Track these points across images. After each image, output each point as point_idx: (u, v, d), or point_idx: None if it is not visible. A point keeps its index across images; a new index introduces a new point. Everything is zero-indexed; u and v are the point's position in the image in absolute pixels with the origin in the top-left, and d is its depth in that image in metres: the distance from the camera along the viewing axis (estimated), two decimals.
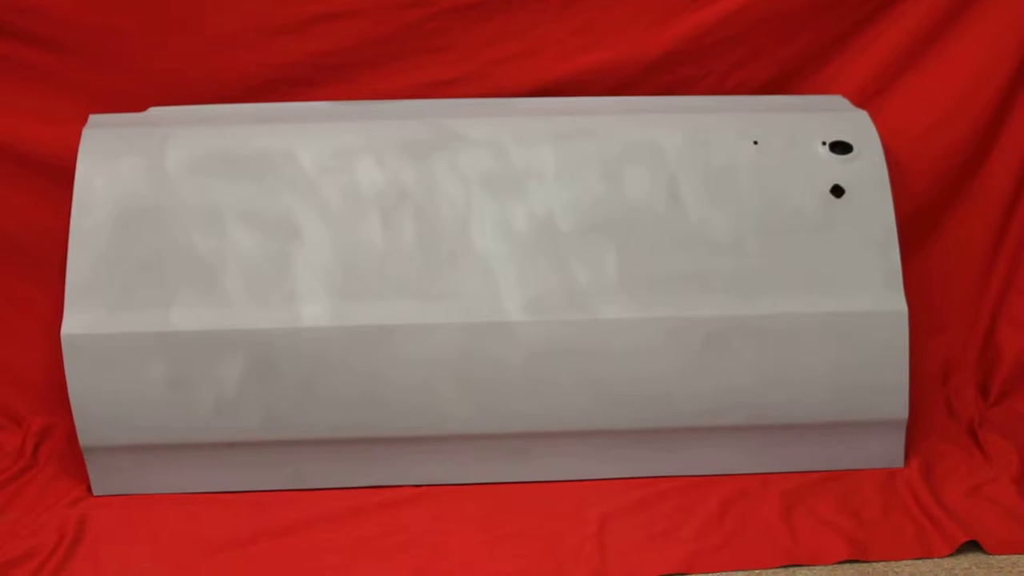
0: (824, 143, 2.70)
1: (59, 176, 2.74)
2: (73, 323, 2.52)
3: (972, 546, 2.41)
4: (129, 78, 2.83)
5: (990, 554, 2.40)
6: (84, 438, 2.56)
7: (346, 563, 2.37)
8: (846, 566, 2.37)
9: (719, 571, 2.35)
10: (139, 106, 2.81)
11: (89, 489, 2.62)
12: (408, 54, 2.89)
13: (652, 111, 2.79)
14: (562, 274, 2.60)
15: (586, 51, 2.91)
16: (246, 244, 2.57)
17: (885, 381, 2.62)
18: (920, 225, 2.96)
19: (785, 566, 2.36)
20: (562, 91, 2.91)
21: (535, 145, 2.68)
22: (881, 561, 2.38)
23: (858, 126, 2.74)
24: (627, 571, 2.35)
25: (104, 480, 2.60)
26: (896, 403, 2.64)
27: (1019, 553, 2.40)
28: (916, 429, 2.77)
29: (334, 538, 2.45)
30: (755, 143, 2.70)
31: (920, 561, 2.38)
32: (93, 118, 2.74)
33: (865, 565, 2.37)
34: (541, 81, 2.91)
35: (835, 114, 2.79)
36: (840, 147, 2.70)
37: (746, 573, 2.35)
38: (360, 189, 2.62)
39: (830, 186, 2.66)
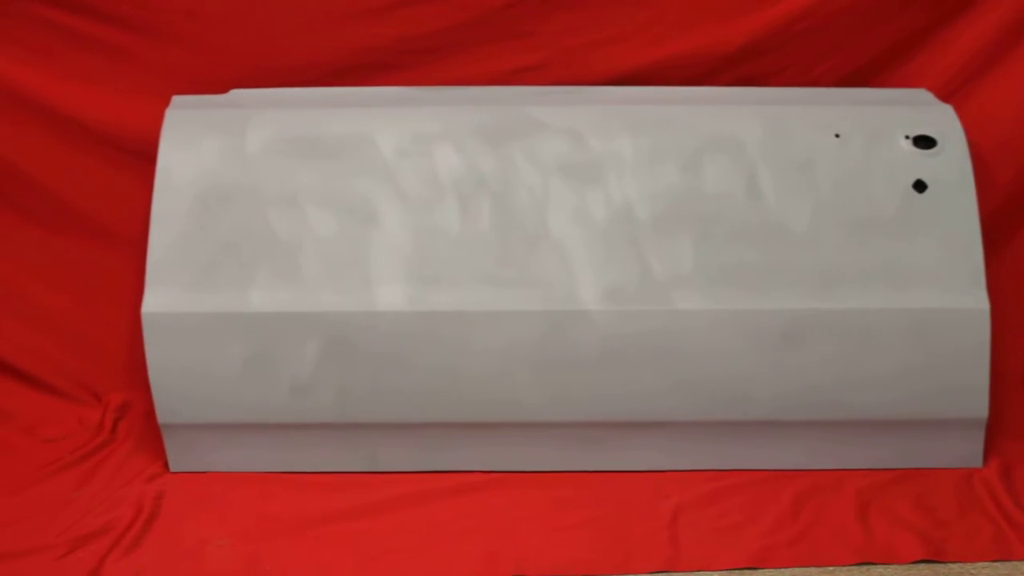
0: (907, 137, 2.67)
1: (142, 156, 2.78)
2: (153, 301, 2.55)
3: None
4: (212, 60, 2.86)
5: None
6: (162, 415, 2.59)
7: (418, 546, 2.39)
8: (921, 566, 2.34)
9: (791, 566, 2.34)
10: (222, 88, 2.84)
11: (166, 465, 2.65)
12: (489, 40, 2.89)
13: (732, 102, 2.77)
14: (639, 264, 2.59)
15: (667, 40, 2.90)
16: (324, 227, 2.59)
17: (965, 380, 2.59)
18: (1004, 222, 2.92)
19: (859, 564, 2.35)
20: (642, 80, 2.90)
21: (613, 134, 2.67)
22: (957, 562, 2.35)
23: (942, 120, 2.70)
24: (698, 563, 2.34)
25: (181, 457, 2.63)
26: (976, 402, 2.61)
27: None
28: (996, 429, 2.73)
29: (407, 521, 2.47)
30: (837, 136, 2.67)
31: (998, 563, 2.35)
32: (176, 99, 2.76)
33: (940, 566, 2.34)
34: (621, 70, 2.91)
35: (919, 108, 2.76)
36: (924, 141, 2.67)
37: (819, 570, 2.33)
38: (438, 175, 2.63)
39: (913, 181, 2.63)
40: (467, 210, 2.61)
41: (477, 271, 2.58)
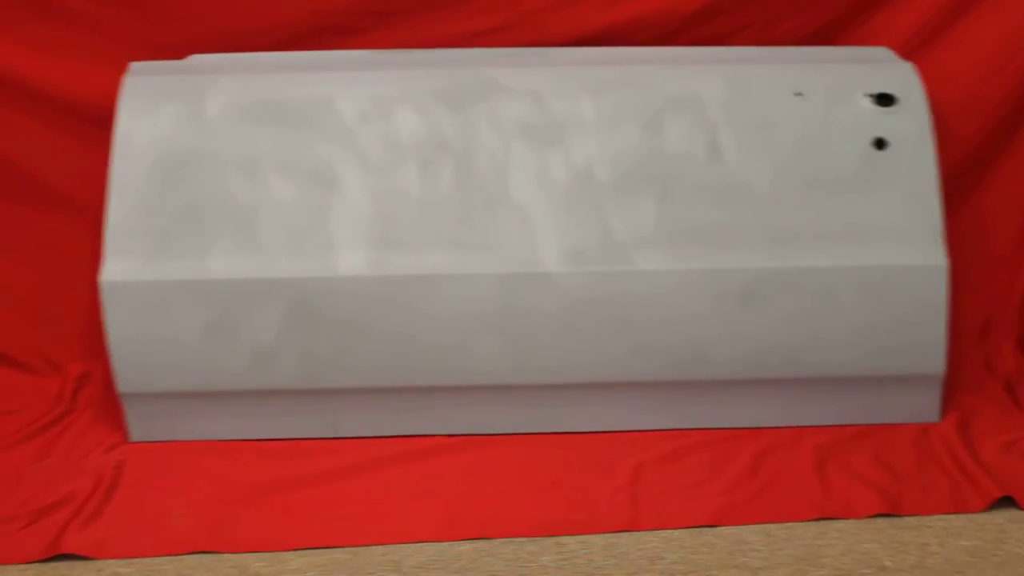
0: (868, 95, 2.67)
1: (100, 123, 2.75)
2: (112, 270, 2.54)
3: (1007, 502, 2.40)
4: (171, 25, 2.84)
5: None
6: (122, 384, 2.59)
7: (382, 511, 2.39)
8: (879, 519, 2.36)
9: (751, 523, 2.35)
10: (180, 53, 2.82)
11: (126, 435, 2.65)
12: (449, 3, 2.88)
13: (693, 62, 2.77)
14: (600, 225, 2.59)
15: (627, 1, 2.88)
16: (284, 193, 2.58)
17: (923, 336, 2.60)
18: (963, 179, 2.92)
19: (817, 519, 2.36)
20: (602, 41, 2.89)
21: (574, 95, 2.66)
22: (914, 515, 2.37)
23: (903, 78, 2.71)
24: (659, 521, 2.36)
25: (141, 426, 2.63)
26: (934, 358, 2.62)
27: None
28: (953, 384, 2.75)
29: (370, 486, 2.47)
30: (798, 95, 2.67)
31: (953, 516, 2.37)
32: (134, 65, 2.74)
33: (898, 519, 2.36)
34: (582, 31, 2.90)
35: (879, 66, 2.76)
36: (884, 99, 2.67)
37: (778, 526, 2.35)
38: (399, 138, 2.62)
39: (873, 139, 2.63)
40: (428, 173, 2.60)
41: (438, 235, 2.58)
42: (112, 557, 2.29)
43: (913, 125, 2.65)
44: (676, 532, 2.34)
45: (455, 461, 2.56)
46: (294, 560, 2.28)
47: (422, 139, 2.62)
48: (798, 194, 2.60)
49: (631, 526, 2.35)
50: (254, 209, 2.57)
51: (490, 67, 2.73)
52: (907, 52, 2.88)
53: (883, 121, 2.65)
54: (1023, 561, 2.24)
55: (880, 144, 2.63)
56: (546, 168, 2.62)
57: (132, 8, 2.82)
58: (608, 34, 2.90)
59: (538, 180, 2.61)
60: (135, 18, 2.83)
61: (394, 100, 2.65)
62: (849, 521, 2.36)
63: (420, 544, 2.31)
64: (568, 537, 2.33)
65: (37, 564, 2.26)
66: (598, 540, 2.32)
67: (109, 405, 2.71)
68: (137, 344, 2.55)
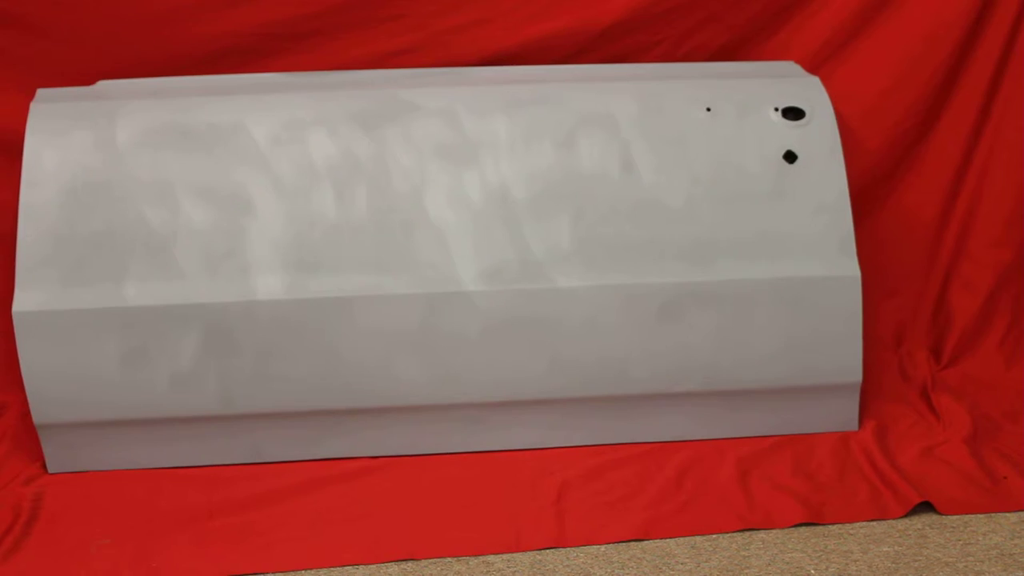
0: (776, 109, 2.71)
1: (8, 151, 2.72)
2: (24, 300, 2.50)
3: (925, 507, 2.45)
4: (77, 50, 2.80)
5: (943, 514, 2.43)
6: (38, 415, 2.54)
7: (307, 535, 2.38)
8: (802, 529, 2.39)
9: (676, 536, 2.37)
10: (88, 79, 2.78)
11: (44, 467, 2.60)
12: (360, 24, 2.88)
13: (605, 79, 2.79)
14: (517, 243, 2.60)
15: (538, 20, 2.90)
16: (199, 218, 2.55)
17: (839, 345, 2.64)
18: (872, 190, 2.98)
19: (742, 530, 2.39)
20: (515, 60, 2.91)
21: (488, 114, 2.67)
22: (836, 523, 2.40)
23: (810, 92, 2.75)
24: (585, 538, 2.37)
25: (59, 457, 2.59)
26: (850, 367, 2.66)
27: (971, 513, 2.44)
28: (870, 392, 2.80)
29: (293, 511, 2.45)
30: (708, 110, 2.70)
31: (874, 523, 2.41)
32: (41, 92, 2.70)
33: (820, 527, 2.40)
34: (494, 50, 2.91)
35: (787, 80, 2.80)
36: (792, 113, 2.71)
37: (703, 538, 2.37)
38: (312, 161, 2.61)
39: (783, 152, 2.67)
40: (343, 196, 2.59)
41: (355, 257, 2.57)
42: None
43: (822, 138, 2.69)
44: (602, 547, 2.35)
45: (379, 483, 2.55)
46: None
47: (336, 162, 2.61)
48: (712, 209, 2.63)
49: (557, 543, 2.36)
50: (168, 235, 2.54)
51: (403, 87, 2.72)
52: (813, 66, 2.93)
53: (792, 135, 2.69)
54: (943, 565, 2.28)
55: (790, 157, 2.67)
56: (462, 187, 2.62)
57: (38, 34, 2.78)
58: (519, 53, 2.92)
59: (454, 200, 2.61)
60: (41, 44, 2.78)
61: (307, 122, 2.64)
62: (773, 531, 2.38)
63: (347, 568, 2.30)
64: (495, 556, 2.33)
65: None
66: (525, 558, 2.33)
67: (26, 436, 2.66)
68: (53, 374, 2.51)
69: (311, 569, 2.30)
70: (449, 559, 2.32)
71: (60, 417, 2.54)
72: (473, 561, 2.32)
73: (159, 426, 2.58)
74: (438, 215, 2.60)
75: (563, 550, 2.34)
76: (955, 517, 2.43)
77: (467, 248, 2.59)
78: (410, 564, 2.31)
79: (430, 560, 2.32)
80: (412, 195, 2.60)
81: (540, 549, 2.34)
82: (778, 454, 2.62)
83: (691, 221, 2.62)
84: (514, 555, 2.33)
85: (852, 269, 2.62)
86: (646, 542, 2.36)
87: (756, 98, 2.73)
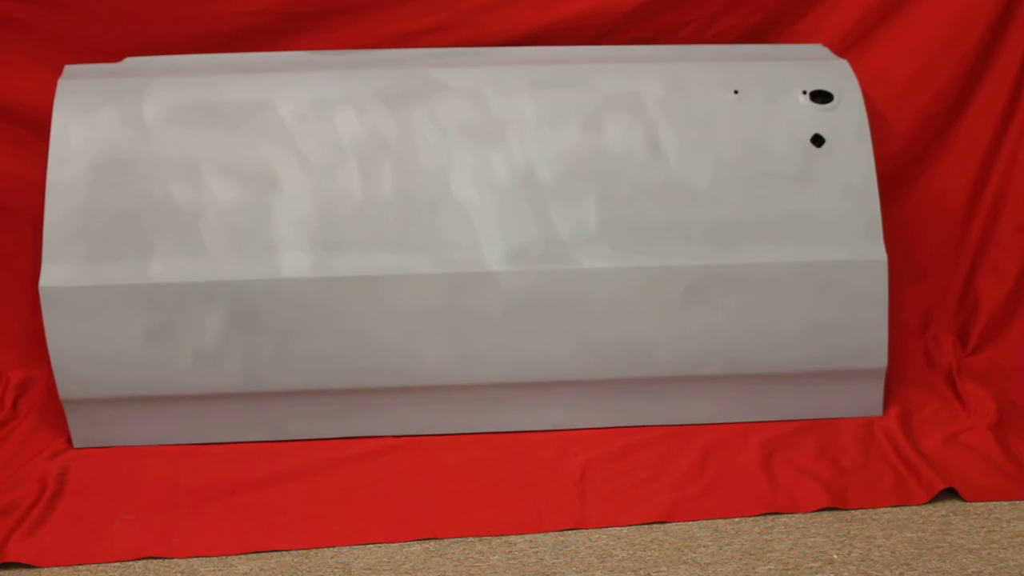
0: (804, 92, 2.70)
1: (36, 128, 2.73)
2: (51, 276, 2.50)
3: (949, 493, 2.44)
4: (105, 28, 2.80)
5: (967, 501, 2.42)
6: (64, 391, 2.55)
7: (330, 513, 2.38)
8: (824, 513, 2.39)
9: (699, 519, 2.37)
10: (115, 56, 2.79)
11: (69, 441, 2.62)
12: (387, 3, 2.87)
13: (632, 60, 2.78)
14: (542, 224, 2.60)
15: (566, 0, 2.89)
16: (225, 195, 2.56)
17: (864, 330, 2.63)
18: (900, 174, 2.96)
19: (764, 514, 2.38)
20: (542, 40, 2.90)
21: (514, 95, 2.66)
22: (859, 509, 2.40)
23: (839, 75, 2.73)
24: (608, 519, 2.37)
25: (84, 432, 2.60)
26: (875, 352, 2.65)
27: (996, 500, 2.43)
28: (895, 378, 2.79)
29: (316, 488, 2.46)
30: (735, 92, 2.69)
31: (898, 508, 2.40)
32: (69, 69, 2.71)
33: (843, 512, 2.39)
34: (521, 30, 2.90)
35: (816, 63, 2.78)
36: (820, 96, 2.69)
37: (726, 521, 2.37)
38: (339, 139, 2.61)
39: (810, 135, 2.66)
40: (369, 174, 2.59)
41: (381, 235, 2.57)
42: (57, 565, 2.27)
43: (849, 122, 2.68)
44: (625, 529, 2.35)
45: (403, 462, 2.55)
46: (242, 564, 2.27)
47: (362, 140, 2.61)
48: (738, 191, 2.62)
49: (580, 524, 2.36)
50: (194, 212, 2.55)
51: (429, 67, 2.72)
52: (842, 50, 2.91)
53: (820, 118, 2.68)
54: (967, 552, 2.28)
55: (818, 141, 2.66)
56: (488, 167, 2.61)
57: (65, 11, 2.78)
58: (546, 34, 2.90)
59: (480, 179, 2.61)
60: (69, 21, 2.79)
61: (334, 101, 2.64)
62: (796, 516, 2.38)
63: (370, 546, 2.31)
64: (517, 536, 2.34)
65: None
66: (547, 539, 2.33)
67: (52, 411, 2.68)
68: (78, 350, 2.52)
69: (333, 546, 2.31)
70: (471, 539, 2.33)
71: (85, 392, 2.56)
72: (495, 541, 2.33)
73: (183, 402, 2.59)
74: (463, 195, 2.60)
75: (585, 531, 2.35)
76: (979, 504, 2.42)
77: (492, 228, 2.59)
78: (432, 543, 2.32)
79: (452, 539, 2.33)
80: (438, 174, 2.60)
81: (562, 530, 2.35)
82: (802, 438, 2.62)
83: (717, 203, 2.61)
84: (536, 535, 2.34)
85: (879, 253, 2.61)
86: (668, 524, 2.36)
87: (784, 81, 2.71)
